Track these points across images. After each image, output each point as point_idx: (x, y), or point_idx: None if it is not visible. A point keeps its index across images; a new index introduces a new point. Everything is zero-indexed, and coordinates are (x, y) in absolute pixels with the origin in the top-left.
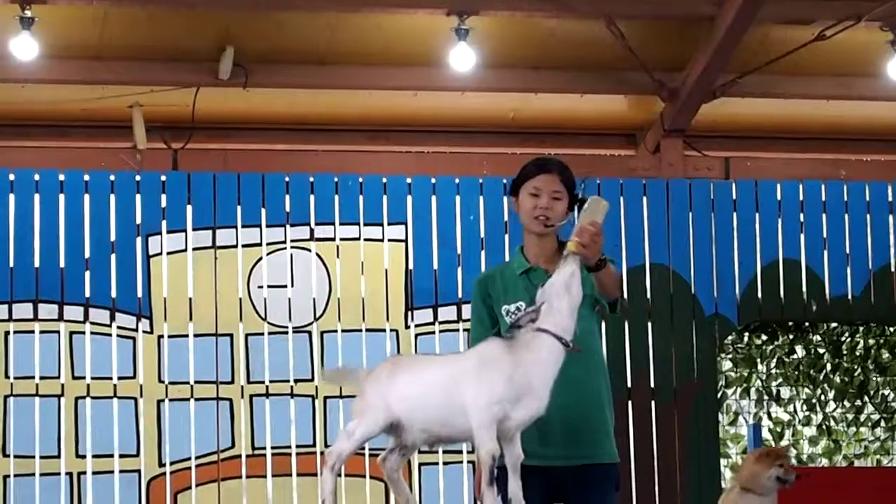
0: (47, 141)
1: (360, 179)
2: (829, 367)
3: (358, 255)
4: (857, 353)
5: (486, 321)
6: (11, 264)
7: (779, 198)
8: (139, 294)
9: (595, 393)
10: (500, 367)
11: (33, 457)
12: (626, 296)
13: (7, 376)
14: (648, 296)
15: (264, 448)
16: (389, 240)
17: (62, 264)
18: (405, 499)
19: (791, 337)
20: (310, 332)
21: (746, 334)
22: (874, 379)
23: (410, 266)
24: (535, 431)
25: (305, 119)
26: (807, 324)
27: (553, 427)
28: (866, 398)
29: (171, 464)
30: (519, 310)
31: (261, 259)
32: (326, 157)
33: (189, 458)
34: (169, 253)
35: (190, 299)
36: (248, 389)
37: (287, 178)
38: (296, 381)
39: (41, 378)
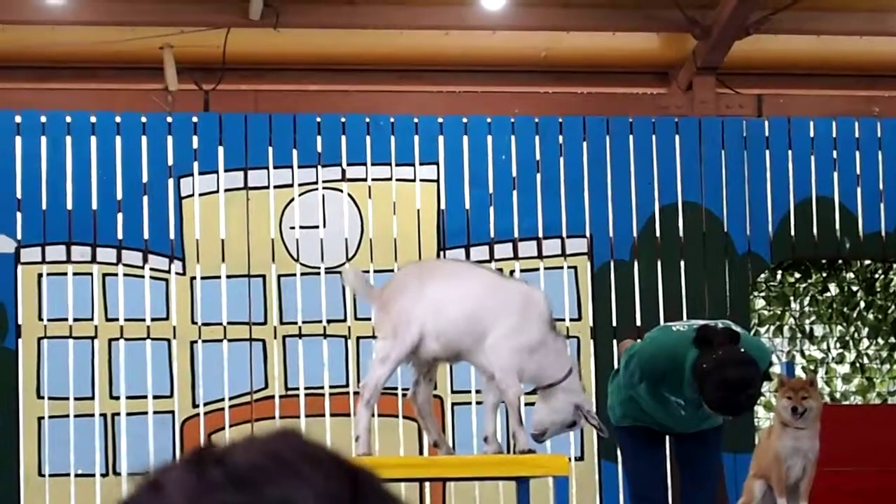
0: (78, 83)
1: (392, 119)
2: (862, 304)
3: (390, 195)
4: (891, 290)
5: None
6: (44, 207)
7: (812, 135)
8: (171, 236)
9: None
10: (538, 323)
11: (67, 398)
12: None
13: (41, 318)
14: (681, 234)
15: (297, 389)
16: (421, 180)
17: (94, 206)
18: (436, 436)
19: (824, 274)
20: (342, 273)
21: (779, 272)
22: None
23: (442, 206)
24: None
25: (336, 59)
26: (840, 261)
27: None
28: None
29: (205, 405)
30: (679, 405)
31: (293, 200)
32: (357, 98)
33: (223, 399)
34: (201, 194)
35: (222, 240)
36: (280, 330)
37: (318, 119)
38: (328, 321)
39: (74, 320)
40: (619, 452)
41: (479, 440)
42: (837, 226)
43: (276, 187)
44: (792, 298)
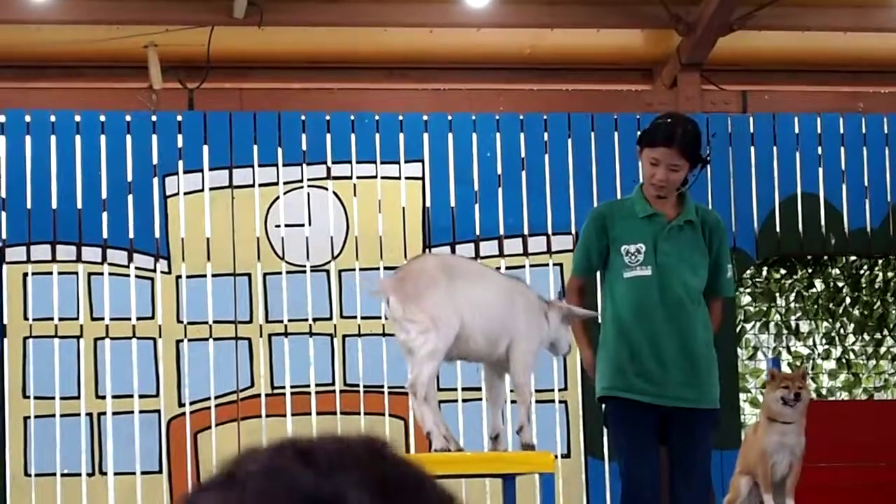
0: (63, 82)
1: (377, 117)
2: (848, 300)
3: (375, 193)
4: (877, 286)
5: (595, 255)
6: (29, 206)
7: (797, 131)
8: (157, 234)
9: (706, 342)
10: (539, 316)
11: (53, 398)
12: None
13: (26, 318)
14: None
15: (283, 387)
16: (406, 178)
17: (79, 205)
18: (433, 426)
19: (810, 270)
20: (328, 271)
21: (765, 268)
22: (893, 312)
23: (427, 204)
24: (654, 374)
25: (321, 57)
26: (825, 257)
27: (671, 371)
28: (885, 331)
29: (191, 404)
30: (639, 251)
31: (278, 198)
32: (342, 96)
33: (208, 398)
34: (186, 193)
35: (207, 239)
36: (266, 329)
37: (303, 117)
38: (314, 319)
39: (60, 319)
40: (604, 448)
41: (465, 437)
42: (823, 222)
43: (261, 185)
44: (777, 295)
